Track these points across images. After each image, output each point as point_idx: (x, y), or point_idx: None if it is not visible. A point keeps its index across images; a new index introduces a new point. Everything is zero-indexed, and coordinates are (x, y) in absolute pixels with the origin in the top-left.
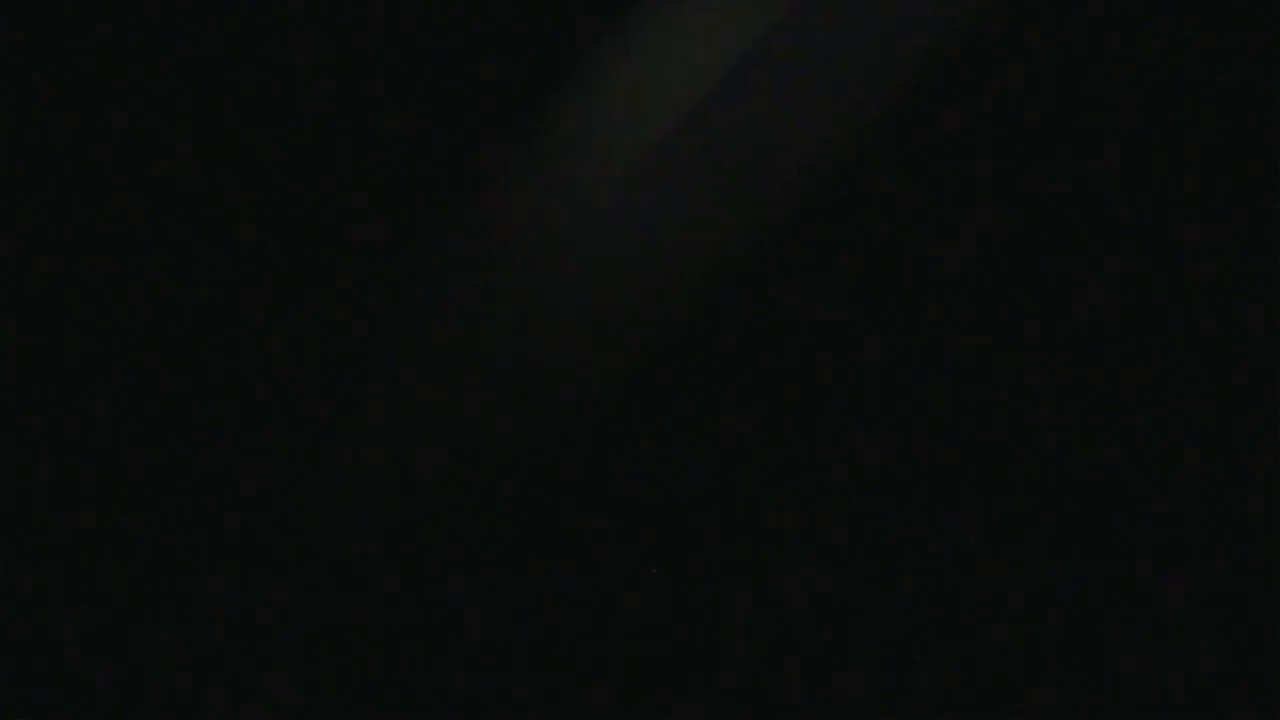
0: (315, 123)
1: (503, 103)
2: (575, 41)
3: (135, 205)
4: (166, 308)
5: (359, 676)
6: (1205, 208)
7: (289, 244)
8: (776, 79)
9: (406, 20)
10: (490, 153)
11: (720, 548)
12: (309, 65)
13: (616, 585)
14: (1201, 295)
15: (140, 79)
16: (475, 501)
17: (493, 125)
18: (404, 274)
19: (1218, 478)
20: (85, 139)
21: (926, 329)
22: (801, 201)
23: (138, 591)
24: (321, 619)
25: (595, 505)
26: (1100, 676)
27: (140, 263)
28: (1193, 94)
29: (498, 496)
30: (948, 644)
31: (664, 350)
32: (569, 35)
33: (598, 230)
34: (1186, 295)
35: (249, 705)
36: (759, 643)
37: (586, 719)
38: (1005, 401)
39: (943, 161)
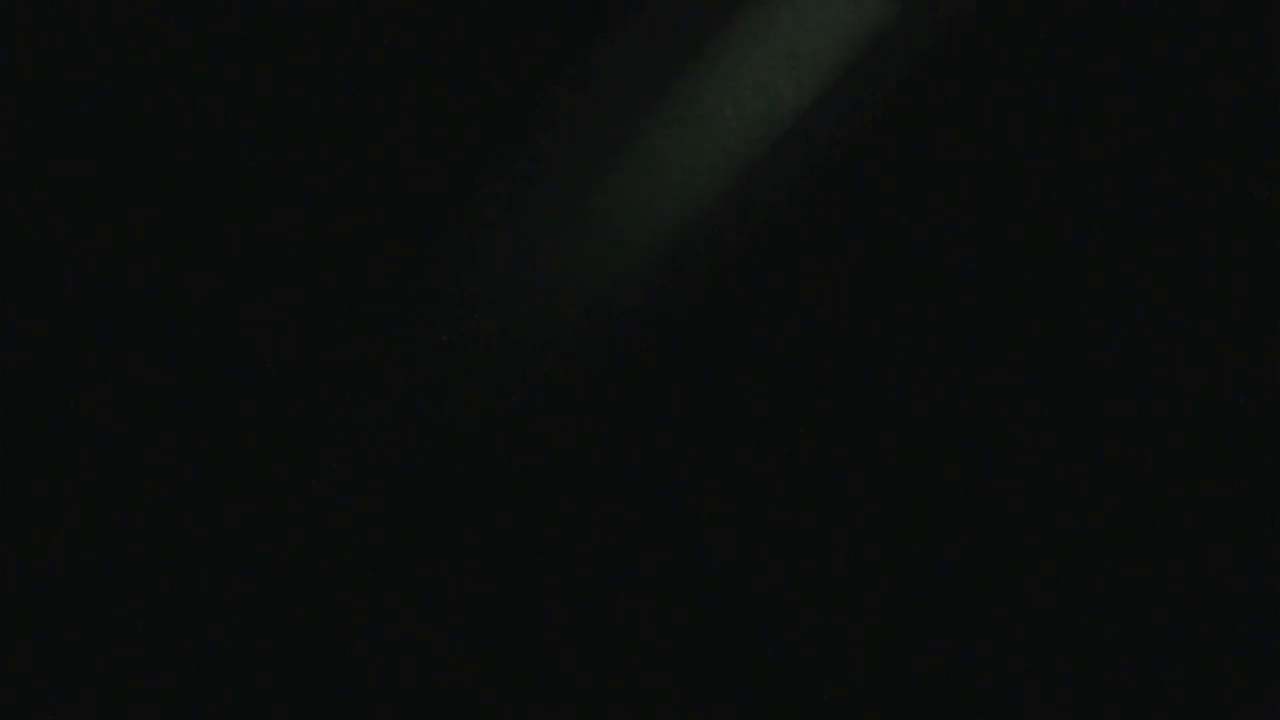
0: (315, 123)
1: (503, 103)
2: (575, 41)
3: (135, 206)
4: (165, 307)
5: (358, 675)
6: (1206, 207)
7: (288, 244)
8: (777, 78)
9: (406, 20)
10: (490, 153)
11: (719, 546)
12: (309, 66)
13: (616, 583)
14: (1201, 295)
15: (140, 78)
16: (474, 499)
17: (493, 125)
18: (404, 274)
19: (1218, 477)
20: (85, 138)
21: (927, 328)
22: (801, 201)
23: (135, 591)
24: (320, 617)
25: (594, 505)
26: (1100, 676)
27: (140, 264)
28: (1194, 93)
29: (496, 494)
30: (947, 644)
31: (664, 350)
32: (569, 35)
33: (597, 230)
34: (1187, 295)
35: (248, 705)
36: (758, 642)
37: (586, 718)
38: (1005, 401)
39: (943, 161)
